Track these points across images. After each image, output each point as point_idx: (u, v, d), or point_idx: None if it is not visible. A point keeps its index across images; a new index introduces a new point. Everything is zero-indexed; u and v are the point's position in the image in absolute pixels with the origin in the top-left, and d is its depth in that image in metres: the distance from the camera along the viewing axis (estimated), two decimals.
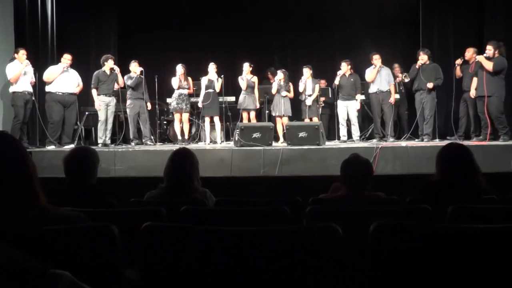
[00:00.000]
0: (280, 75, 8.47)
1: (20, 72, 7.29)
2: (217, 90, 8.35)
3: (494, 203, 2.54)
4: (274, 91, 8.47)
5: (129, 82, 8.04)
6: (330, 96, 9.14)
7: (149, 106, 8.33)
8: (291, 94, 8.49)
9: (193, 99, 8.67)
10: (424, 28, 9.24)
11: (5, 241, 0.98)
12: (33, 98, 7.51)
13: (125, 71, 8.18)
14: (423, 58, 7.91)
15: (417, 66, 7.91)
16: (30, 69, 7.51)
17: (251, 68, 8.53)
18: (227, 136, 8.84)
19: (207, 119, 8.41)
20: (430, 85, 7.76)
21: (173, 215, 2.30)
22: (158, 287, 1.53)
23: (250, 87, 8.45)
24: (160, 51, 10.59)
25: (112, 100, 7.95)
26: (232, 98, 9.34)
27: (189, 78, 8.45)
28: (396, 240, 1.50)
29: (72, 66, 7.94)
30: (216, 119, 8.40)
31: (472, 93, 7.53)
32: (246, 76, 8.45)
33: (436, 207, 2.22)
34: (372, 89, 8.18)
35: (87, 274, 1.17)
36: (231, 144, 7.80)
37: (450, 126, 8.07)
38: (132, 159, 6.73)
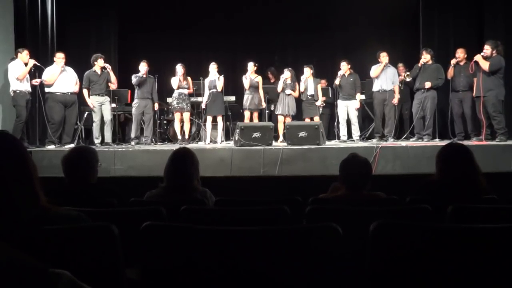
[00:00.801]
0: (287, 73, 8.43)
1: (26, 71, 7.32)
2: (219, 89, 8.27)
3: (494, 203, 2.53)
4: (279, 89, 8.43)
5: (133, 81, 8.09)
6: (330, 96, 9.14)
7: (157, 107, 8.33)
8: (296, 94, 8.47)
9: (193, 99, 8.67)
10: (424, 28, 9.24)
11: (5, 240, 0.98)
12: (31, 98, 7.50)
13: (125, 71, 8.17)
14: (426, 57, 7.89)
15: (419, 65, 7.91)
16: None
17: (255, 68, 8.49)
18: (227, 136, 8.83)
19: (209, 119, 8.39)
20: (428, 84, 7.74)
21: (173, 214, 2.30)
22: (158, 287, 1.53)
23: (254, 87, 8.40)
24: (160, 51, 10.58)
25: (106, 99, 7.92)
26: (233, 98, 9.33)
27: (189, 78, 8.44)
28: (396, 240, 1.50)
29: (72, 66, 7.93)
30: (219, 118, 8.38)
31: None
32: (250, 75, 8.42)
33: (436, 207, 2.21)
34: (375, 87, 8.12)
35: (87, 273, 1.17)
36: (231, 143, 7.79)
37: (450, 126, 8.06)
38: (132, 159, 6.73)
